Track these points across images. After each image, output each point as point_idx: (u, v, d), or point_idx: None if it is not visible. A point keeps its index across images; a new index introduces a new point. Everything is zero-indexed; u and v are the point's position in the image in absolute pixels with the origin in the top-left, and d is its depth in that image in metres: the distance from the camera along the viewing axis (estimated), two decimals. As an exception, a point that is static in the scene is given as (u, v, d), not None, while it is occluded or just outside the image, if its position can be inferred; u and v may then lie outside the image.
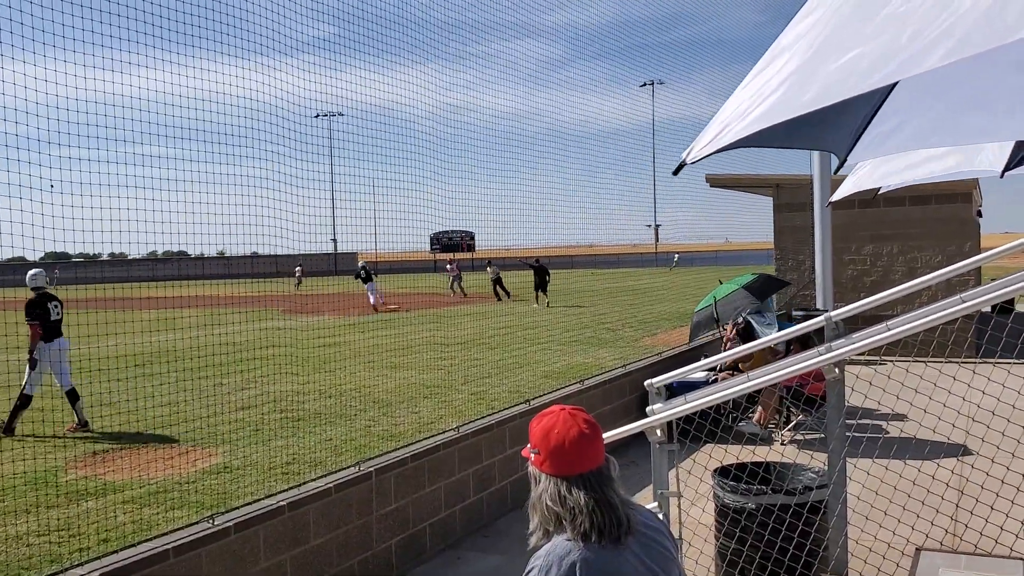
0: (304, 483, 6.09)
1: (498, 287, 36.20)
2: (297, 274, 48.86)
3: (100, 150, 6.66)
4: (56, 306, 11.52)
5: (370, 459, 6.73)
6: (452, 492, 7.43)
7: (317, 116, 9.09)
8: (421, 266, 49.69)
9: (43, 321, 11.19)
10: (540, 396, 9.63)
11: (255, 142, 7.97)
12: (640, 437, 5.15)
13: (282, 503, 5.55)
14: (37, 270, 11.74)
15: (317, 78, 8.50)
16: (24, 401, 10.98)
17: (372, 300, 32.56)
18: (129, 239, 7.13)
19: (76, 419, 11.04)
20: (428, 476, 7.12)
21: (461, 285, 39.57)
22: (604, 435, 2.76)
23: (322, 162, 9.20)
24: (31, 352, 11.11)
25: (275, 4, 7.86)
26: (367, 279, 33.96)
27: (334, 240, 11.32)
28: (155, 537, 4.94)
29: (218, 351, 13.20)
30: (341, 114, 9.36)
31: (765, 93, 2.49)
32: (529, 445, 2.65)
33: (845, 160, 4.12)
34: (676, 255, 67.78)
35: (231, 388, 13.10)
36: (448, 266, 35.98)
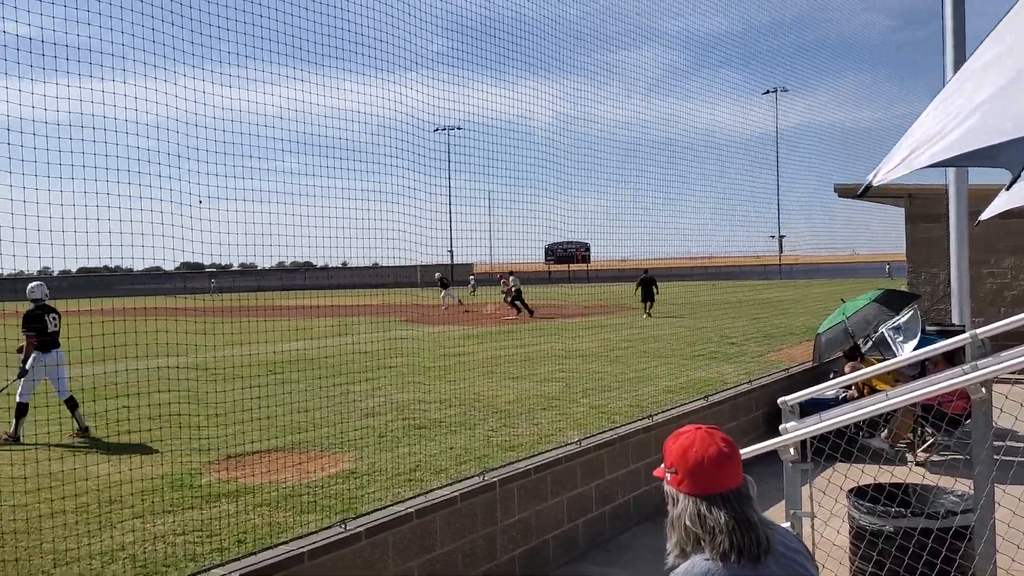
0: (430, 491, 6.17)
1: (517, 301, 34.60)
2: (471, 282, 49.47)
3: (232, 165, 6.96)
4: (54, 318, 11.85)
5: (494, 469, 6.77)
6: (574, 505, 7.39)
7: (436, 130, 9.24)
8: (536, 277, 49.91)
9: (40, 333, 11.55)
10: (663, 411, 9.49)
11: (378, 156, 8.18)
12: (767, 455, 5.00)
13: (410, 510, 5.64)
14: (37, 283, 12.04)
15: (438, 92, 8.66)
16: (22, 409, 11.29)
17: (444, 303, 36.77)
18: (258, 251, 7.42)
19: (76, 426, 11.44)
20: (551, 488, 7.11)
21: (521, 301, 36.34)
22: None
23: (440, 175, 9.35)
24: (25, 360, 11.45)
25: (399, 21, 8.05)
26: (444, 286, 38.36)
27: (451, 251, 11.47)
28: (291, 540, 5.10)
29: (346, 359, 13.56)
30: (460, 127, 9.48)
31: (960, 118, 2.44)
32: (664, 464, 2.62)
33: (1019, 176, 3.96)
34: (888, 264, 61.80)
35: (358, 395, 13.42)
36: (508, 277, 35.92)
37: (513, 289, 34.63)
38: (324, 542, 5.00)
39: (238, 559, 4.78)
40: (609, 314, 31.53)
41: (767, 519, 2.56)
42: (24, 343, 11.63)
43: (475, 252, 10.21)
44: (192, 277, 72.57)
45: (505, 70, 9.61)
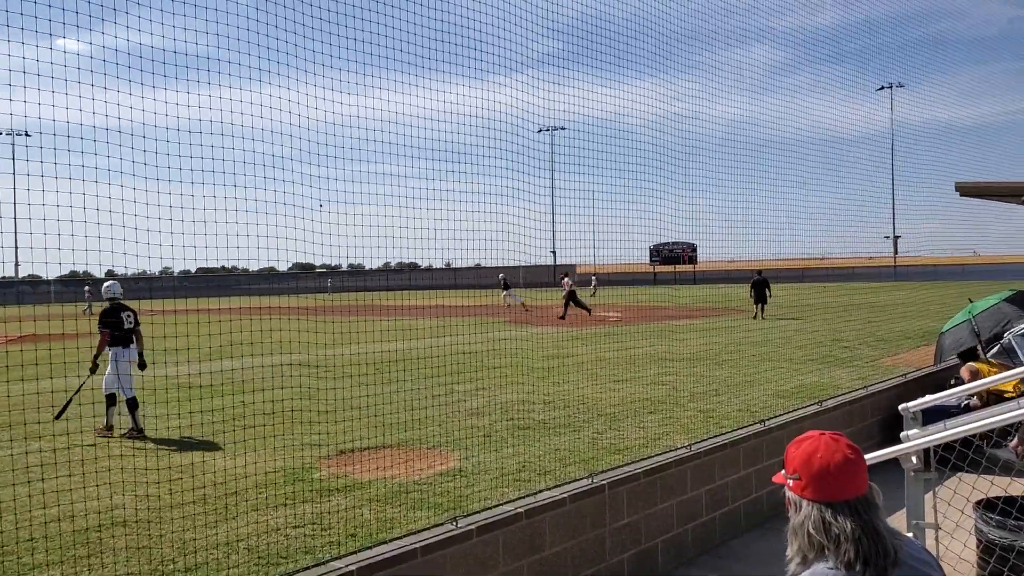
0: (539, 492, 6.16)
1: (571, 301, 33.46)
2: (593, 283, 49.83)
3: (340, 168, 7.11)
4: (128, 316, 12.17)
5: (603, 472, 6.72)
6: (684, 510, 7.27)
7: (540, 131, 9.24)
8: (640, 278, 49.45)
9: (114, 329, 11.91)
10: (775, 417, 9.25)
11: (482, 157, 8.23)
12: (883, 463, 4.80)
13: (520, 510, 5.65)
14: (112, 282, 12.40)
15: (543, 93, 8.66)
16: (110, 399, 11.80)
17: (508, 303, 38.82)
18: (365, 252, 7.56)
19: (107, 420, 11.68)
20: (660, 492, 7.01)
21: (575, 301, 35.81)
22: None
23: (543, 175, 9.33)
24: (95, 358, 11.76)
25: (504, 24, 8.08)
26: (505, 287, 41.03)
27: (553, 252, 11.46)
28: (404, 536, 5.17)
29: (451, 359, 13.69)
30: (564, 128, 9.46)
31: None
32: (785, 470, 2.55)
33: None
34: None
35: (463, 395, 13.55)
36: (564, 279, 35.55)
37: (567, 290, 33.84)
38: (436, 539, 5.05)
39: (354, 553, 4.87)
40: (716, 316, 31.00)
41: (895, 529, 2.47)
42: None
43: (578, 253, 10.17)
44: (303, 277, 74.76)
45: (610, 70, 9.55)
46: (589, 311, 33.34)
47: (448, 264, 10.53)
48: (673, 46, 10.27)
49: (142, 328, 12.36)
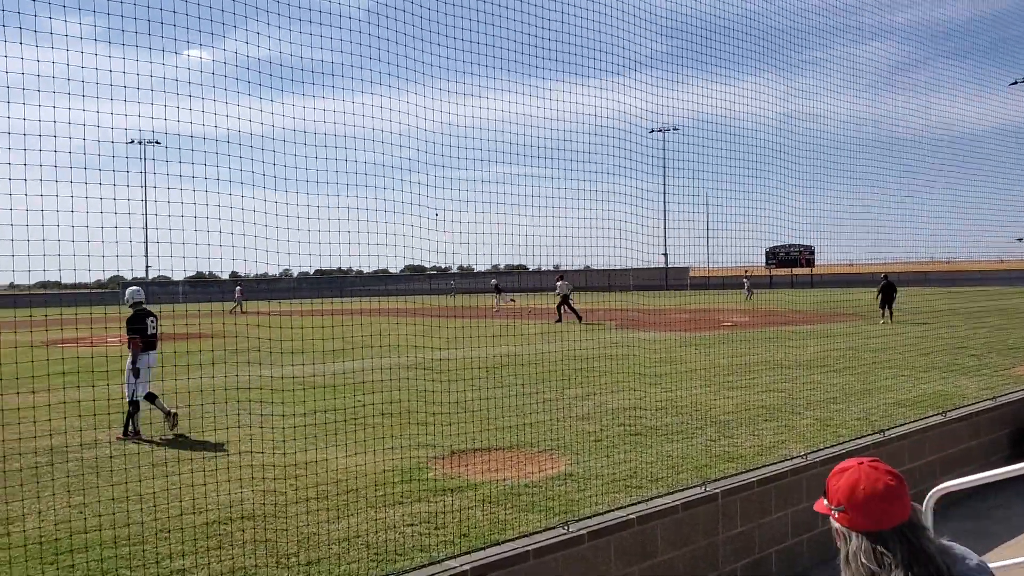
0: (651, 498, 6.16)
1: (565, 306, 33.89)
2: (746, 286, 49.70)
3: (454, 171, 7.26)
4: (152, 321, 12.33)
5: (716, 480, 6.66)
6: (800, 520, 7.13)
7: (652, 131, 9.19)
8: (755, 281, 48.38)
9: (141, 334, 12.06)
10: (896, 427, 8.95)
11: (590, 160, 8.25)
12: (1014, 480, 4.60)
13: (632, 516, 5.66)
14: (135, 288, 12.53)
15: (655, 94, 8.62)
16: (135, 406, 11.81)
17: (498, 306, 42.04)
18: (474, 253, 7.69)
19: (135, 426, 11.72)
20: (775, 502, 6.89)
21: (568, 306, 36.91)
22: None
23: (655, 176, 9.29)
24: (134, 363, 11.96)
25: (616, 25, 8.09)
26: (498, 291, 45.15)
27: (665, 254, 11.37)
28: (516, 538, 5.25)
29: (560, 363, 13.75)
30: (676, 128, 9.39)
31: None
32: (828, 501, 2.60)
33: None
34: None
35: (572, 399, 13.59)
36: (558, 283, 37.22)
37: (559, 294, 34.09)
38: (548, 542, 5.11)
39: (468, 552, 4.98)
40: (834, 321, 30.09)
41: (946, 545, 2.50)
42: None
43: (691, 256, 10.06)
44: (416, 279, 76.16)
45: (722, 69, 9.44)
46: (580, 318, 33.13)
47: (557, 267, 10.57)
48: (786, 43, 10.07)
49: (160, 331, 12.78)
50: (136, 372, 11.96)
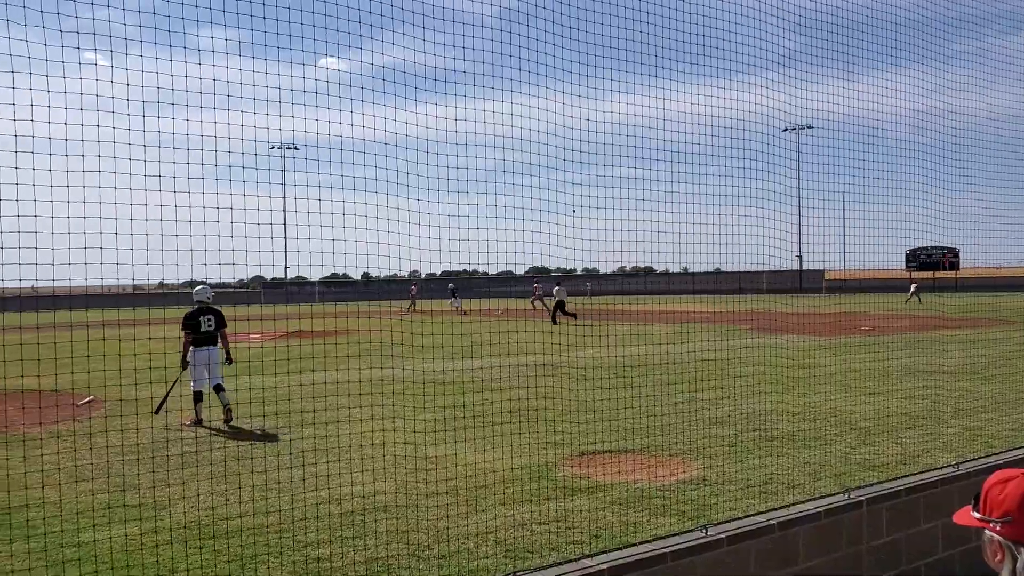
0: (792, 504, 5.95)
1: (559, 311, 35.57)
2: (912, 289, 48.51)
3: (580, 174, 7.21)
4: (208, 319, 12.84)
5: (860, 488, 6.37)
6: (952, 533, 6.73)
7: (785, 130, 8.92)
8: (895, 284, 46.34)
9: (193, 330, 12.66)
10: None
11: (719, 158, 8.05)
12: None
13: (772, 521, 5.47)
14: (201, 287, 13.02)
15: (787, 92, 8.34)
16: (197, 396, 12.56)
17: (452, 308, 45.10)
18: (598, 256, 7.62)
19: (196, 415, 12.48)
20: (924, 512, 6.54)
21: (544, 303, 43.39)
22: None
23: (789, 176, 8.98)
24: (183, 356, 12.61)
25: (747, 22, 7.88)
26: (453, 295, 48.93)
27: (800, 256, 10.96)
28: (652, 540, 5.16)
29: (690, 366, 13.50)
30: (810, 127, 9.09)
31: None
32: (984, 511, 2.43)
33: None
34: None
35: (704, 403, 13.31)
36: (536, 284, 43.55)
37: (556, 299, 36.50)
38: (685, 545, 5.00)
39: (605, 552, 4.93)
40: (982, 327, 28.47)
41: None
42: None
43: (826, 258, 9.71)
44: (540, 280, 76.47)
45: (858, 64, 9.06)
46: (571, 317, 35.26)
47: (685, 269, 10.39)
48: (928, 35, 9.57)
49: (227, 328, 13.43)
50: (184, 365, 12.74)
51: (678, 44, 7.53)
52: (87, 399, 14.65)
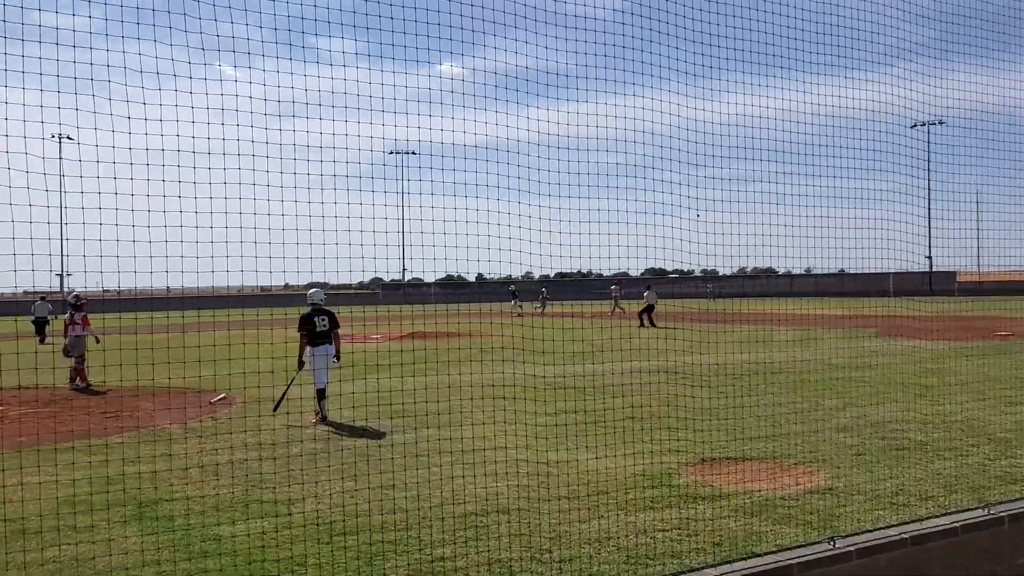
0: (924, 518, 5.72)
1: (646, 314, 35.18)
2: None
3: (694, 176, 7.11)
4: (323, 320, 13.36)
5: (1000, 503, 6.07)
6: (1103, 554, 6.34)
7: (914, 126, 8.59)
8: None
9: (309, 331, 13.19)
10: None
11: (843, 156, 7.81)
12: None
13: (904, 535, 5.28)
14: (315, 290, 13.56)
15: (912, 87, 8.02)
16: (320, 394, 13.08)
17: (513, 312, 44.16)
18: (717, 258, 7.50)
19: (317, 411, 12.94)
20: (1072, 531, 6.18)
21: (620, 306, 45.70)
22: None
23: (918, 174, 8.63)
24: (300, 355, 13.22)
25: (867, 19, 7.62)
26: (513, 296, 49.71)
27: (929, 257, 10.55)
28: (777, 551, 5.06)
29: (813, 370, 13.13)
30: (941, 122, 8.73)
31: None
32: None
33: None
34: None
35: (829, 409, 12.93)
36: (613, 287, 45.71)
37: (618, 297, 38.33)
38: (812, 557, 4.88)
39: (728, 562, 4.86)
40: None
41: None
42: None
43: (958, 259, 9.29)
44: (655, 282, 75.74)
45: (995, 55, 8.63)
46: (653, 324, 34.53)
47: (808, 270, 10.12)
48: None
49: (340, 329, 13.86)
50: (301, 364, 13.30)
51: (796, 39, 7.37)
52: (219, 397, 15.36)
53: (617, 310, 46.75)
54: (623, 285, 48.90)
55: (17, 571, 6.26)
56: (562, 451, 10.03)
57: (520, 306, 51.27)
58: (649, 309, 35.21)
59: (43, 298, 35.53)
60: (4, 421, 13.42)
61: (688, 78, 6.92)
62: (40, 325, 33.43)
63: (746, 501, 7.93)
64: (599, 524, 7.25)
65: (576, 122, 6.67)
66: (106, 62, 5.28)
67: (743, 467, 9.24)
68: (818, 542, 5.18)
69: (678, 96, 6.86)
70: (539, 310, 49.41)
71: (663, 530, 7.10)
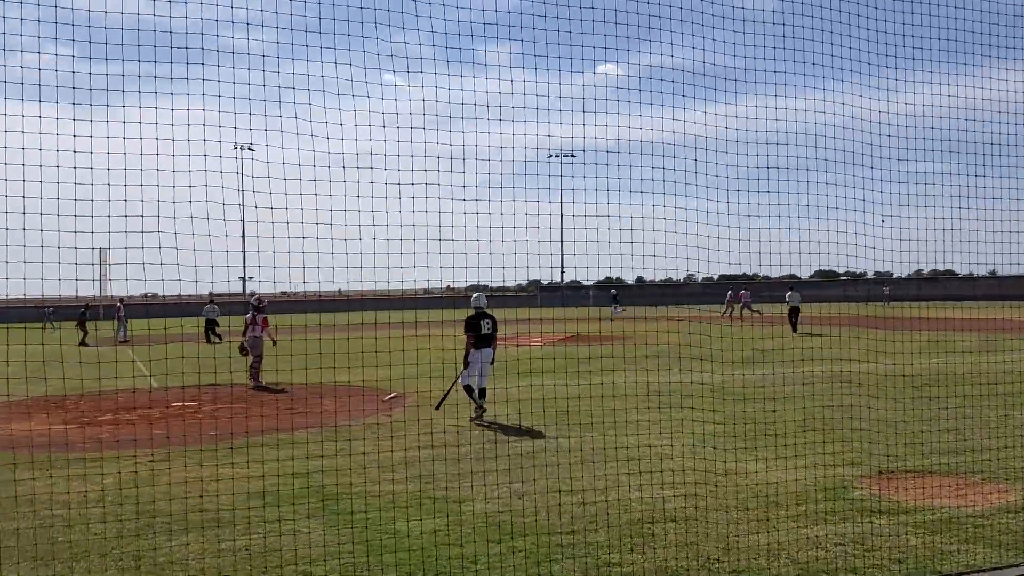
0: None
1: (793, 317, 33.49)
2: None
3: (874, 168, 6.81)
4: (488, 323, 13.78)
5: None
6: None
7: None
8: None
9: (475, 333, 13.63)
10: None
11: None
12: None
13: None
14: (479, 294, 14.11)
15: None
16: (468, 389, 13.61)
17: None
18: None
19: (475, 404, 13.45)
20: None
21: (751, 309, 44.77)
22: None
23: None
24: (466, 356, 13.64)
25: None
26: (614, 300, 51.28)
27: None
28: (970, 572, 4.80)
29: (1005, 379, 12.30)
30: None
31: None
32: None
33: None
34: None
35: (1021, 421, 12.09)
36: (742, 292, 44.22)
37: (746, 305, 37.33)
38: (1008, 580, 4.60)
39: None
40: None
41: None
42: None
43: None
44: (825, 285, 72.87)
45: None
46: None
47: (992, 272, 9.52)
48: None
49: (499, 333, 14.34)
50: (466, 364, 13.76)
51: (988, 24, 6.96)
52: (391, 395, 15.97)
53: (735, 314, 45.56)
54: (750, 290, 47.35)
55: (214, 558, 6.75)
56: (730, 460, 9.85)
57: (624, 310, 51.53)
58: (794, 312, 33.45)
59: (211, 301, 37.63)
60: (197, 416, 14.47)
61: (863, 67, 6.67)
62: (210, 327, 35.40)
63: (929, 517, 7.55)
64: (771, 536, 7.08)
65: (743, 115, 6.56)
66: (277, 83, 5.65)
67: (925, 481, 8.79)
68: (1015, 565, 4.87)
69: (850, 86, 6.63)
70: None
71: (839, 544, 6.87)
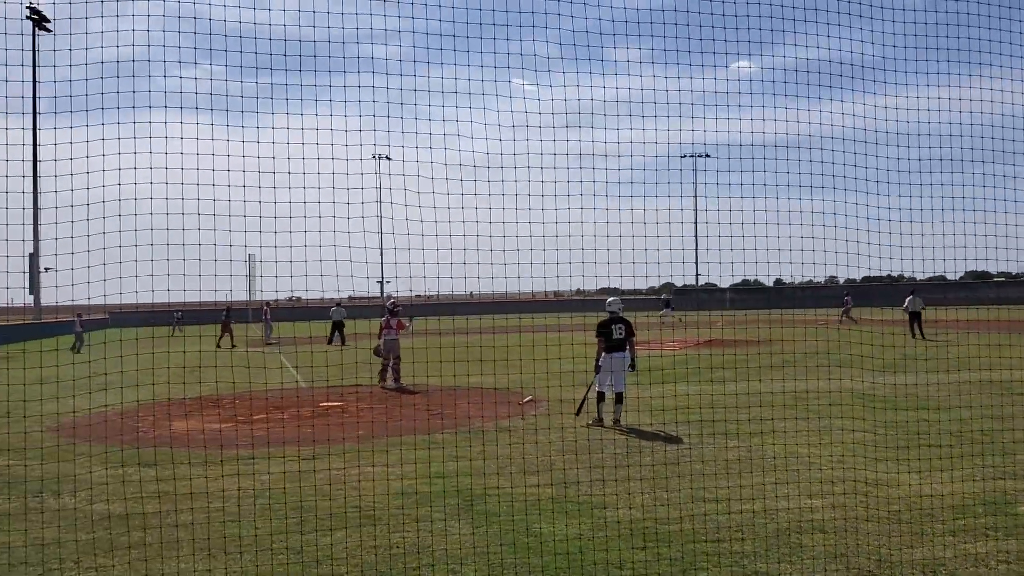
0: None
1: (915, 323, 31.32)
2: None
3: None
4: (620, 328, 13.69)
5: None
6: None
7: None
8: None
9: (606, 338, 13.53)
10: None
11: None
12: None
13: None
14: (614, 299, 14.06)
15: None
16: (599, 396, 13.50)
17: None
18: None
19: (597, 414, 13.35)
20: None
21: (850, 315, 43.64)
22: None
23: None
24: (597, 360, 13.60)
25: None
26: (666, 305, 51.11)
27: None
28: None
29: None
30: None
31: None
32: None
33: None
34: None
35: None
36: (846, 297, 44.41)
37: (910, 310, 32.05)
38: None
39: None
40: None
41: None
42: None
43: None
44: (978, 287, 68.99)
45: None
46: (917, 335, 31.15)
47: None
48: None
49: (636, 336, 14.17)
50: (597, 369, 13.68)
51: None
52: (528, 398, 16.15)
53: (839, 319, 43.84)
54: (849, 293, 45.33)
55: (368, 553, 7.03)
56: (881, 470, 9.51)
57: (673, 315, 50.98)
58: (915, 317, 31.31)
59: (339, 304, 38.62)
60: (345, 415, 15.04)
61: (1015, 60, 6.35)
62: (337, 328, 36.38)
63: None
64: (928, 550, 6.81)
65: (893, 105, 6.35)
66: (413, 86, 5.84)
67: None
68: None
69: (1010, 83, 6.32)
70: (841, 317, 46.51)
71: (1004, 562, 6.54)
